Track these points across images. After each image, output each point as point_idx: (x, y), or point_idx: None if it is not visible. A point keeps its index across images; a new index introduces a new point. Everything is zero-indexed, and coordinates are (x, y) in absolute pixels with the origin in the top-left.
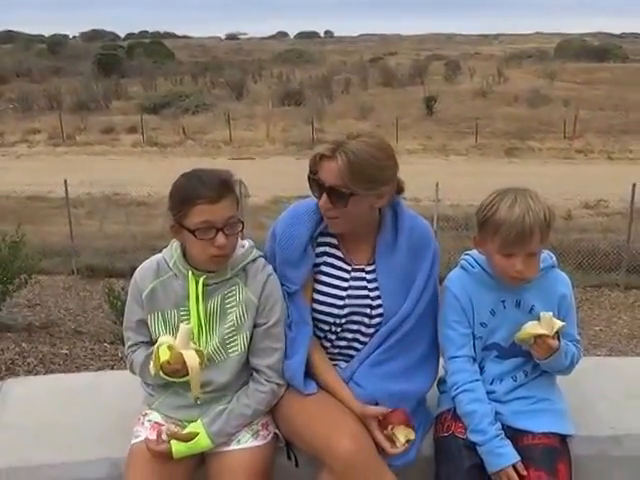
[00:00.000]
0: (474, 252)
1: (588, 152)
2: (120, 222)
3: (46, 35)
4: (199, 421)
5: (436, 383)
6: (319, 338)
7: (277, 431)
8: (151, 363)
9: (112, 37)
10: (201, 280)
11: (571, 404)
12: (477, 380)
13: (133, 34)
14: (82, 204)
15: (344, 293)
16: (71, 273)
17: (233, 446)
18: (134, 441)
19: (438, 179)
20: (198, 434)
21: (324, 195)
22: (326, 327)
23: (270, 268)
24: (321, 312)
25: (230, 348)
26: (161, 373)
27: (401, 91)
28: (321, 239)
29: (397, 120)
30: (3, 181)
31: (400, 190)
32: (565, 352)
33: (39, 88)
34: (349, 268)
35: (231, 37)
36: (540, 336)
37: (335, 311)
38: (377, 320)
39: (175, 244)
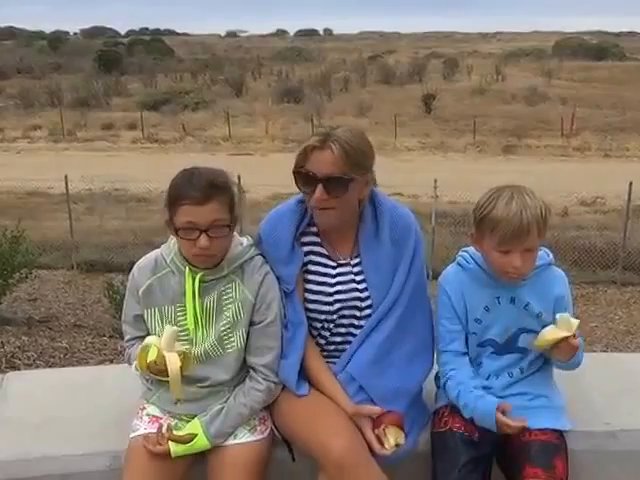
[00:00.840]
0: (471, 249)
1: (585, 150)
2: (120, 218)
3: (47, 32)
4: (197, 422)
5: (434, 378)
6: (313, 336)
7: (274, 426)
8: (134, 362)
9: (112, 34)
10: (198, 277)
11: (567, 400)
12: (464, 368)
13: (133, 31)
14: (82, 200)
15: (332, 289)
16: (71, 268)
17: (231, 441)
18: (133, 435)
19: (436, 176)
20: (197, 435)
21: (319, 186)
22: (319, 324)
23: (267, 267)
24: (313, 310)
25: (227, 345)
26: (148, 372)
27: (400, 89)
28: (304, 239)
29: (396, 118)
30: (4, 176)
31: (374, 181)
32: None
33: (40, 84)
34: (335, 264)
35: (231, 35)
36: (563, 339)
37: (326, 308)
38: (367, 312)
39: (173, 240)
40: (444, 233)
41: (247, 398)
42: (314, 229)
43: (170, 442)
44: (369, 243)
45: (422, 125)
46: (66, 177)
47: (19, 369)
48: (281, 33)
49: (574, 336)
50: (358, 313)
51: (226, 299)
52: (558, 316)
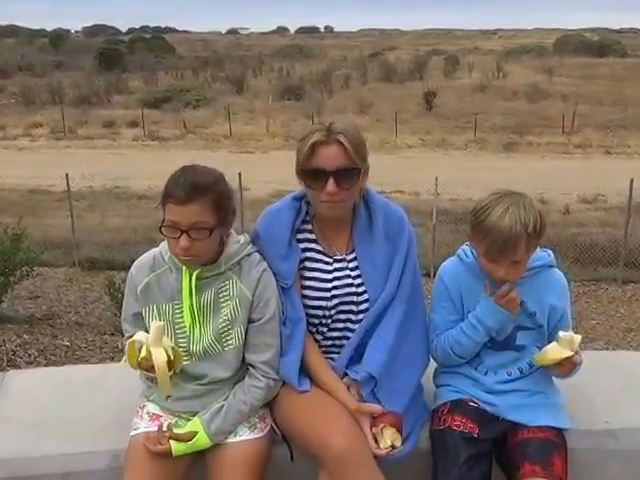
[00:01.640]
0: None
1: (586, 147)
2: (121, 215)
3: (48, 30)
4: (197, 420)
5: (432, 377)
6: (311, 332)
7: (273, 424)
8: (124, 358)
9: (114, 32)
10: (195, 274)
11: (567, 398)
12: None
13: (134, 29)
14: (83, 197)
15: (330, 285)
16: (72, 265)
17: (231, 439)
18: (133, 433)
19: (437, 173)
20: (197, 433)
21: (330, 180)
22: (317, 320)
23: (265, 264)
24: (311, 306)
25: (226, 342)
26: (140, 369)
27: (400, 86)
28: (300, 235)
29: (396, 115)
30: (5, 174)
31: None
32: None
33: (41, 82)
34: (331, 260)
35: (232, 32)
36: (566, 359)
37: (324, 303)
38: (364, 306)
39: None
40: (445, 231)
41: (247, 396)
42: (309, 226)
43: (171, 441)
44: (363, 238)
45: (423, 122)
46: (67, 175)
47: (20, 367)
48: (282, 30)
49: (576, 352)
50: (355, 308)
51: (223, 296)
52: (561, 334)
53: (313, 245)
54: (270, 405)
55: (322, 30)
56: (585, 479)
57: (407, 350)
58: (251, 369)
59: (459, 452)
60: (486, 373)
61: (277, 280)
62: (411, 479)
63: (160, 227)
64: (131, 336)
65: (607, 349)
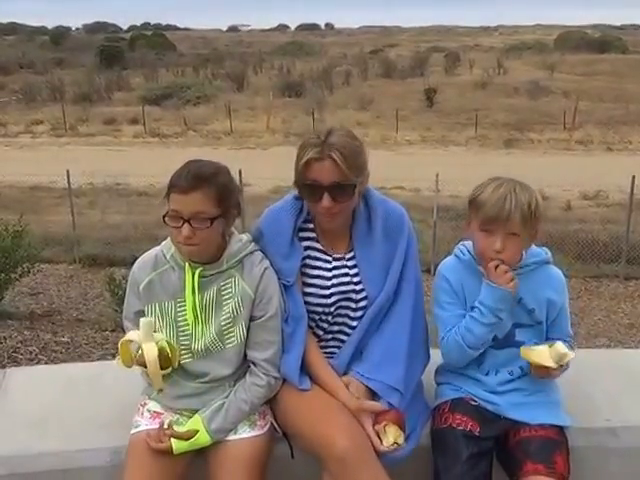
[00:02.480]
0: (468, 242)
1: (588, 143)
2: (122, 212)
3: (49, 27)
4: (198, 418)
5: (433, 375)
6: (312, 328)
7: (274, 421)
8: (117, 357)
9: (114, 29)
10: (197, 272)
11: (568, 396)
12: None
13: (135, 26)
14: (84, 194)
15: (329, 282)
16: (73, 262)
17: (231, 436)
18: (133, 431)
19: (438, 170)
20: (198, 431)
21: (325, 195)
22: (317, 317)
23: (267, 262)
24: (310, 303)
25: (227, 339)
26: (136, 365)
27: (401, 83)
28: (301, 234)
29: (397, 111)
30: (6, 171)
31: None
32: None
33: (42, 79)
34: (330, 259)
35: (232, 29)
36: (546, 367)
37: (323, 301)
38: (362, 304)
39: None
40: (445, 227)
41: (248, 394)
42: (311, 225)
43: (172, 439)
44: (363, 239)
45: (424, 119)
46: (68, 172)
47: (21, 364)
48: (282, 27)
49: (560, 366)
50: (354, 305)
51: (225, 294)
52: (558, 345)
53: (314, 244)
54: (270, 403)
55: (323, 27)
56: (586, 477)
57: (405, 347)
58: (252, 367)
59: (460, 450)
60: (487, 373)
61: (279, 278)
62: (413, 478)
63: (164, 217)
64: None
65: (609, 346)
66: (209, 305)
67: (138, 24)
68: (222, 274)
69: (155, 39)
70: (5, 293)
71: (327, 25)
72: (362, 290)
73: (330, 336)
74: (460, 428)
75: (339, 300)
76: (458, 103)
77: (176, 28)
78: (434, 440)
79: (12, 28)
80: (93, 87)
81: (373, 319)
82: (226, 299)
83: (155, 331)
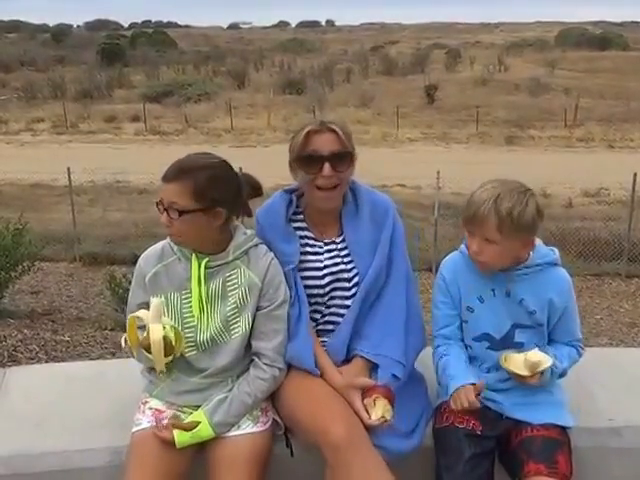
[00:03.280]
0: None
1: (589, 141)
2: (122, 210)
3: (51, 24)
4: (201, 411)
5: (435, 373)
6: (310, 312)
7: (276, 417)
8: (124, 335)
9: (115, 26)
10: (203, 262)
11: (570, 395)
12: (458, 347)
13: (136, 24)
14: (85, 192)
15: (322, 265)
16: (73, 260)
17: (233, 432)
18: (135, 429)
19: (439, 167)
20: (200, 423)
21: (326, 164)
22: (312, 300)
23: (272, 254)
24: (307, 286)
25: (233, 329)
26: (140, 348)
27: (402, 80)
28: (292, 225)
29: (398, 108)
30: (7, 169)
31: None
32: (551, 375)
33: (43, 77)
34: (322, 244)
35: (233, 26)
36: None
37: (318, 282)
38: (355, 280)
39: None
40: (447, 225)
41: (251, 387)
42: (300, 216)
43: (174, 431)
44: (351, 223)
45: (424, 116)
46: (69, 169)
47: (21, 362)
48: (283, 24)
49: (540, 374)
50: (347, 284)
51: (230, 285)
52: (531, 354)
53: (305, 232)
54: (271, 395)
55: (323, 24)
56: (589, 477)
57: (398, 324)
58: (256, 360)
59: (462, 449)
60: (488, 371)
61: (283, 262)
62: (414, 476)
63: (156, 203)
64: None
65: (611, 345)
66: (214, 296)
67: (139, 21)
68: (228, 265)
69: (156, 36)
70: (5, 292)
71: (328, 22)
72: (353, 268)
73: (326, 319)
74: (462, 427)
75: (332, 281)
76: (459, 100)
77: (177, 25)
78: (436, 439)
79: (15, 26)
80: (94, 85)
81: (366, 294)
82: (231, 290)
83: (165, 315)
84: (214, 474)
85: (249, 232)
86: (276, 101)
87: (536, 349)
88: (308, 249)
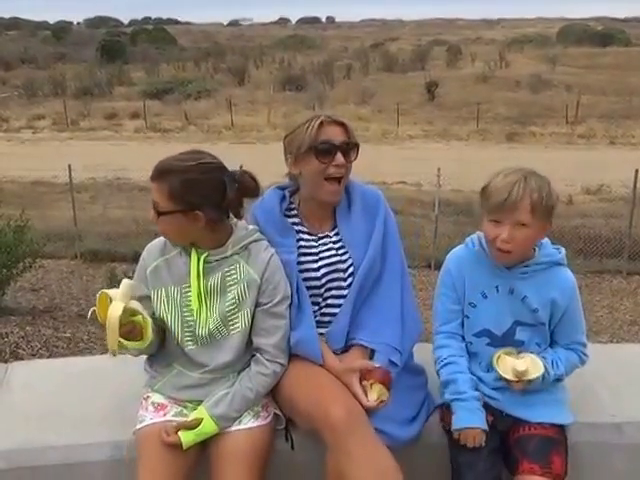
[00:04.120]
0: (480, 233)
1: (590, 137)
2: (123, 207)
3: (51, 22)
4: (202, 407)
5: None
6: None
7: (277, 411)
8: (92, 308)
9: (115, 23)
10: (202, 257)
11: (572, 391)
12: (461, 356)
13: (136, 20)
14: (86, 189)
15: (317, 257)
16: (74, 257)
17: (235, 427)
18: (139, 426)
19: (439, 164)
20: (202, 419)
21: (338, 153)
22: (309, 292)
23: (273, 250)
24: (303, 279)
25: (232, 325)
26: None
27: (402, 76)
28: (287, 220)
29: (398, 105)
30: (8, 166)
31: None
32: (542, 382)
33: (44, 74)
34: (316, 237)
35: (233, 23)
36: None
37: (314, 274)
38: (350, 271)
39: None
40: (447, 222)
41: (253, 382)
42: (294, 212)
43: (179, 433)
44: (344, 216)
45: (425, 113)
46: (69, 166)
47: (23, 359)
48: (283, 21)
49: (523, 381)
50: (343, 275)
51: (229, 280)
52: (524, 359)
53: (299, 227)
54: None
55: (323, 21)
56: (590, 473)
57: (394, 312)
58: (258, 355)
59: (481, 446)
60: (488, 370)
61: (283, 253)
62: (429, 476)
63: None
64: None
65: (612, 342)
66: (213, 291)
67: (139, 18)
68: (227, 260)
69: (156, 33)
70: (7, 289)
71: (328, 18)
72: (348, 259)
73: (323, 310)
74: None
75: (328, 272)
76: (460, 97)
77: (177, 22)
78: (451, 438)
79: (14, 23)
80: (94, 82)
81: (362, 283)
82: (230, 285)
83: (138, 302)
84: (216, 469)
85: (251, 227)
86: (276, 98)
87: (532, 355)
88: (302, 243)
